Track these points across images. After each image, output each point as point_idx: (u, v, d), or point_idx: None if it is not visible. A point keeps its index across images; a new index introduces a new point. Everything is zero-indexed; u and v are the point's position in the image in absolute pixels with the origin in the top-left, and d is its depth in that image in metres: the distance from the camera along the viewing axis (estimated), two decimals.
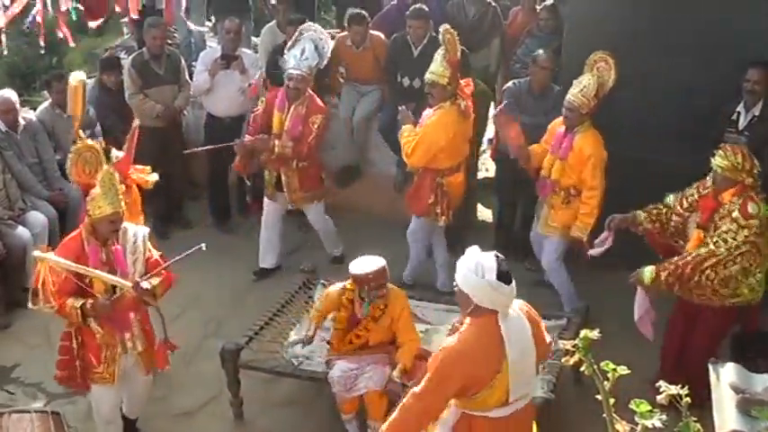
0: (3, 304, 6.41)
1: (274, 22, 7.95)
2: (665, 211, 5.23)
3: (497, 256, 3.61)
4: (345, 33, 7.56)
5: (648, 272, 4.95)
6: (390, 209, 6.97)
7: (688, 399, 2.34)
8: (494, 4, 7.81)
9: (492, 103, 7.50)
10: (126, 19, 8.18)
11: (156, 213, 7.47)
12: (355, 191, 7.38)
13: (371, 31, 7.31)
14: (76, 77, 5.55)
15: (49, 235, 6.63)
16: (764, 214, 4.79)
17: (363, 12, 7.42)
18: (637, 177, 5.82)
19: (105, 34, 10.91)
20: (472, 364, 3.56)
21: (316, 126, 6.23)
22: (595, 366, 2.43)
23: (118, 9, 7.64)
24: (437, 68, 5.83)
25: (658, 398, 2.39)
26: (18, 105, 6.95)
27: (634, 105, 6.11)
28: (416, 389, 3.60)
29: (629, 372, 2.41)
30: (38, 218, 6.65)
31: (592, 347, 2.63)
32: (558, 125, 5.86)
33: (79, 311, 4.40)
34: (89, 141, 5.02)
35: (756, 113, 5.76)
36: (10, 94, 6.92)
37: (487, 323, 3.60)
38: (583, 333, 2.58)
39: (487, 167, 8.06)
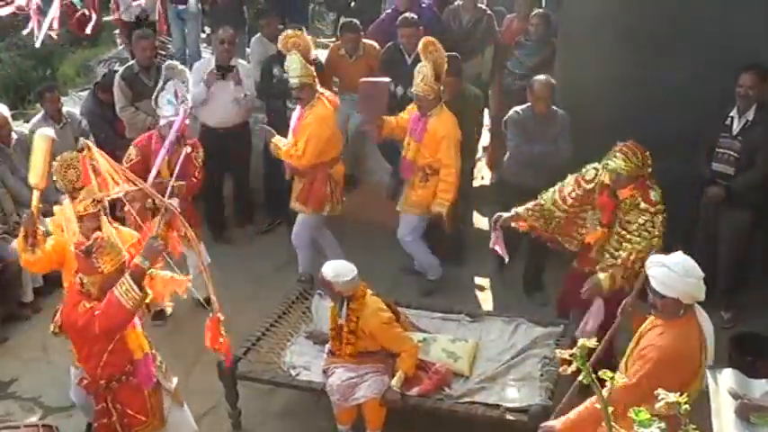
0: None
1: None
2: (546, 207, 5.25)
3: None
4: (339, 42, 7.56)
5: (604, 278, 4.90)
6: (385, 217, 6.96)
7: (687, 406, 2.33)
8: (488, 11, 7.81)
9: (486, 109, 7.52)
10: (118, 31, 8.16)
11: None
12: (350, 199, 7.36)
13: (365, 40, 7.31)
14: (44, 134, 4.75)
15: None
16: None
17: (356, 20, 7.42)
18: None
19: (98, 46, 10.93)
20: (689, 361, 3.75)
21: (200, 161, 6.22)
22: (593, 375, 2.41)
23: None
24: (300, 71, 6.07)
25: (656, 406, 2.38)
26: (10, 120, 6.93)
27: (629, 110, 6.11)
28: (629, 381, 3.59)
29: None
30: None
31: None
32: (414, 109, 6.19)
33: (130, 280, 4.03)
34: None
35: (750, 118, 5.75)
36: (2, 109, 6.90)
37: (689, 321, 3.77)
38: (581, 342, 2.56)
39: (483, 175, 8.06)
